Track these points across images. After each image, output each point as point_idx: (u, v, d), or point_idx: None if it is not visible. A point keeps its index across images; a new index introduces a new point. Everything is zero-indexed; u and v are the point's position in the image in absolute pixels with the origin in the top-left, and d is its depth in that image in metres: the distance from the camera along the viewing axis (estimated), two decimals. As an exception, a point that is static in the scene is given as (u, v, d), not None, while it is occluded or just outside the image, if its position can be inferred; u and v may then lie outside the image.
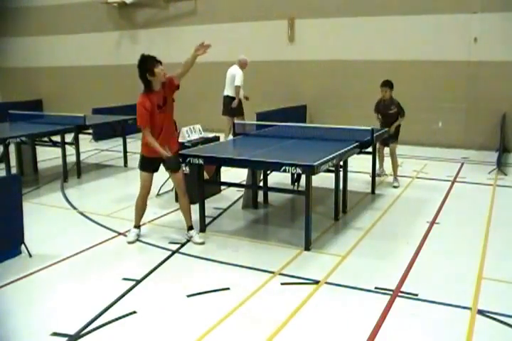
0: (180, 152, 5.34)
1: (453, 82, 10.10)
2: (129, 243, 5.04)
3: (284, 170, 4.65)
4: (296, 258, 4.64)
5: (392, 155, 7.21)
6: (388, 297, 3.86)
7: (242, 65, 9.76)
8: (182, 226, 5.53)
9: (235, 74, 9.62)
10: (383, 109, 7.36)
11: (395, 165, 7.19)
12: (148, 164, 5.01)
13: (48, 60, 15.15)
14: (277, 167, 4.71)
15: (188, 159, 5.12)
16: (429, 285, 4.06)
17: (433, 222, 5.64)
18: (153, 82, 4.77)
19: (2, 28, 15.50)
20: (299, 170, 4.62)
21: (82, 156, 8.48)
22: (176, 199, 6.31)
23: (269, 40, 11.88)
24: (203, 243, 5.01)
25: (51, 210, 6.27)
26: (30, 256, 4.66)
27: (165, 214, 5.95)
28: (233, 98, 9.62)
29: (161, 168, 5.05)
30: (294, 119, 8.95)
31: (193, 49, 4.83)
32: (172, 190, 6.60)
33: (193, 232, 5.13)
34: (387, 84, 7.26)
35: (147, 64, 4.75)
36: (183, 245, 4.99)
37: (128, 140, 9.03)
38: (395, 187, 7.12)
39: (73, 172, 8.00)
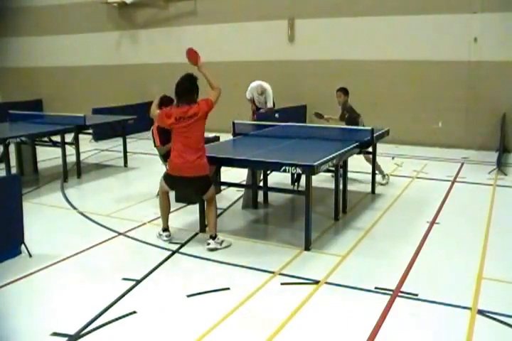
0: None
1: (453, 82, 10.10)
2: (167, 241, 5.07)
3: (284, 170, 4.65)
4: (296, 258, 4.64)
5: (368, 161, 7.03)
6: (388, 297, 3.86)
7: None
8: (182, 226, 5.54)
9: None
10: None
11: (376, 166, 7.01)
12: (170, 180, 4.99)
13: (48, 60, 15.15)
14: (277, 167, 4.72)
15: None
16: (429, 285, 4.06)
17: (433, 222, 5.64)
18: None
19: (2, 28, 15.50)
20: (299, 170, 4.63)
21: (82, 156, 8.48)
22: (176, 199, 6.32)
23: (269, 40, 11.88)
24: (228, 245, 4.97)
25: (51, 210, 6.27)
26: (30, 256, 4.66)
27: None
28: None
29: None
30: (294, 119, 8.95)
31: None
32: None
33: (219, 239, 4.98)
34: (341, 90, 7.46)
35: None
36: (183, 245, 4.99)
37: (128, 140, 9.03)
38: (382, 184, 7.10)
39: (73, 172, 8.01)
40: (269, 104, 9.88)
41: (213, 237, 4.91)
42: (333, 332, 3.42)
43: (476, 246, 4.89)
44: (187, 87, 4.81)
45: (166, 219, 5.17)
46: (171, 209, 6.07)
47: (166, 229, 5.16)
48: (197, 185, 4.89)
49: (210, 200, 4.99)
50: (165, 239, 5.07)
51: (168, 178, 5.00)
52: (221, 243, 4.90)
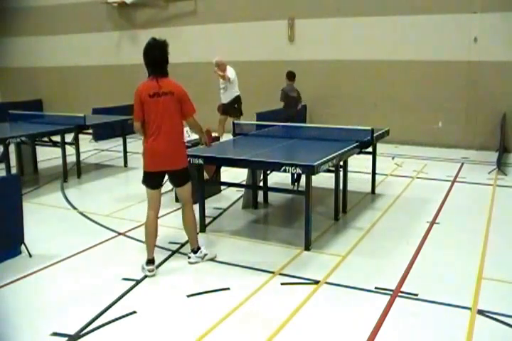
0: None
1: (453, 82, 10.10)
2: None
3: (284, 170, 4.65)
4: (296, 258, 4.64)
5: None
6: (388, 297, 3.86)
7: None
8: (182, 226, 5.52)
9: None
10: None
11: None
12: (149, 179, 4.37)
13: (48, 60, 15.15)
14: (277, 167, 4.71)
15: (188, 159, 5.12)
16: (429, 285, 4.06)
17: (433, 222, 5.64)
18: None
19: (2, 28, 15.49)
20: (299, 170, 4.62)
21: (82, 156, 8.48)
22: (176, 200, 6.31)
23: (269, 40, 11.88)
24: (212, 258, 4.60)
25: (51, 210, 6.27)
26: (30, 256, 4.66)
27: (165, 214, 5.95)
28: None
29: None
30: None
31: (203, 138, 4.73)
32: (172, 190, 6.60)
33: (201, 253, 4.55)
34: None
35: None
36: (183, 245, 4.99)
37: (128, 140, 9.03)
38: None
39: (73, 172, 8.01)
40: (228, 73, 9.53)
41: (195, 251, 4.54)
42: (333, 332, 3.42)
43: (476, 246, 4.90)
44: (159, 57, 4.22)
45: (151, 248, 4.35)
46: (171, 209, 6.06)
47: (150, 260, 4.32)
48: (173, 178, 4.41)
49: (186, 201, 4.47)
50: (148, 273, 4.24)
51: (147, 178, 4.35)
52: (203, 257, 4.53)
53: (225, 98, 9.77)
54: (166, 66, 4.27)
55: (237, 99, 9.75)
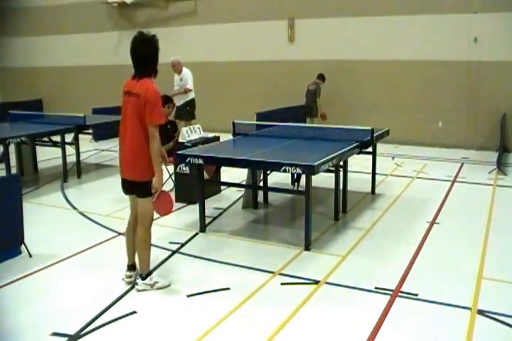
0: (180, 152, 5.34)
1: (453, 82, 10.11)
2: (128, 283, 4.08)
3: (284, 170, 4.65)
4: (296, 258, 4.64)
5: None
6: (388, 297, 3.86)
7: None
8: (182, 226, 5.54)
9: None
10: None
11: None
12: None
13: (48, 60, 15.16)
14: (277, 167, 4.71)
15: (188, 159, 5.12)
16: (429, 285, 4.06)
17: (433, 222, 5.63)
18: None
19: (2, 28, 15.50)
20: (299, 170, 4.62)
21: (82, 156, 8.48)
22: (176, 200, 6.31)
23: (269, 40, 11.88)
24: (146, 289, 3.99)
25: (51, 210, 6.27)
26: (30, 256, 4.66)
27: (165, 214, 5.95)
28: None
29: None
30: (293, 119, 8.95)
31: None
32: (172, 190, 6.60)
33: (151, 280, 4.00)
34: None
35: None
36: (183, 245, 4.99)
37: (128, 140, 9.00)
38: None
39: (73, 172, 8.01)
40: (188, 85, 8.98)
41: (143, 277, 3.98)
42: (333, 332, 3.42)
43: (476, 246, 4.89)
44: (141, 54, 3.74)
45: (129, 253, 4.10)
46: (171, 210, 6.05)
47: (131, 266, 4.12)
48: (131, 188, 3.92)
49: (141, 218, 3.90)
50: (127, 280, 4.06)
51: (121, 184, 4.00)
52: (153, 285, 3.97)
53: (178, 100, 8.81)
54: (151, 66, 3.78)
55: (190, 103, 9.15)
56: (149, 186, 3.81)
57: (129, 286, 4.07)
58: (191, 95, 9.17)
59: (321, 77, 10.62)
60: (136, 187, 3.85)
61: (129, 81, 3.86)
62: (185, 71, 9.04)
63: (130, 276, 4.08)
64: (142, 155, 3.74)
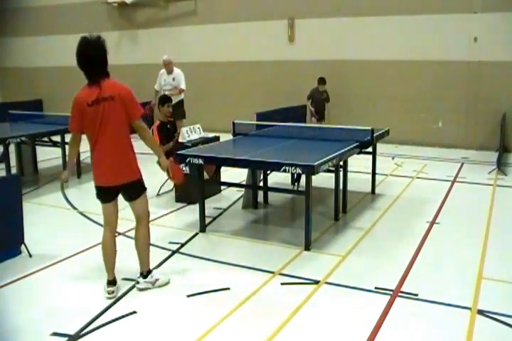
0: (180, 152, 5.34)
1: (453, 82, 10.10)
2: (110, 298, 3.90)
3: (284, 170, 4.65)
4: (296, 258, 4.64)
5: None
6: (388, 297, 3.86)
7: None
8: (182, 226, 5.54)
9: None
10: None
11: None
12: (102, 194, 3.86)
13: (48, 60, 15.13)
14: (277, 167, 4.71)
15: (188, 159, 5.12)
16: (429, 285, 4.06)
17: (433, 222, 5.63)
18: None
19: (2, 28, 15.49)
20: (299, 170, 4.62)
21: (82, 156, 8.46)
22: (176, 200, 6.31)
23: (269, 40, 11.88)
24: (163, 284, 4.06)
25: (51, 210, 6.27)
26: (30, 256, 4.66)
27: (165, 214, 5.95)
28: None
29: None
30: (294, 119, 8.95)
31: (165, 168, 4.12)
32: (172, 190, 6.60)
33: (152, 278, 4.03)
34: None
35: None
36: (183, 245, 4.99)
37: (128, 140, 9.01)
38: None
39: (73, 172, 7.99)
40: (183, 86, 8.89)
41: (145, 275, 4.02)
42: (333, 332, 3.42)
43: (476, 246, 4.89)
44: (96, 56, 3.81)
45: (110, 269, 3.96)
46: (171, 209, 6.05)
47: (110, 281, 3.96)
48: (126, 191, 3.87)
49: (141, 217, 3.94)
50: (108, 296, 3.87)
51: (99, 193, 3.83)
52: (154, 282, 4.02)
53: None
54: (106, 66, 3.84)
55: (182, 102, 9.05)
56: (142, 182, 3.90)
57: (129, 286, 4.07)
58: (182, 95, 9.14)
59: (322, 81, 10.10)
60: (132, 188, 3.84)
61: (87, 91, 3.79)
62: (178, 71, 9.00)
63: (112, 292, 3.91)
64: (131, 155, 3.86)
